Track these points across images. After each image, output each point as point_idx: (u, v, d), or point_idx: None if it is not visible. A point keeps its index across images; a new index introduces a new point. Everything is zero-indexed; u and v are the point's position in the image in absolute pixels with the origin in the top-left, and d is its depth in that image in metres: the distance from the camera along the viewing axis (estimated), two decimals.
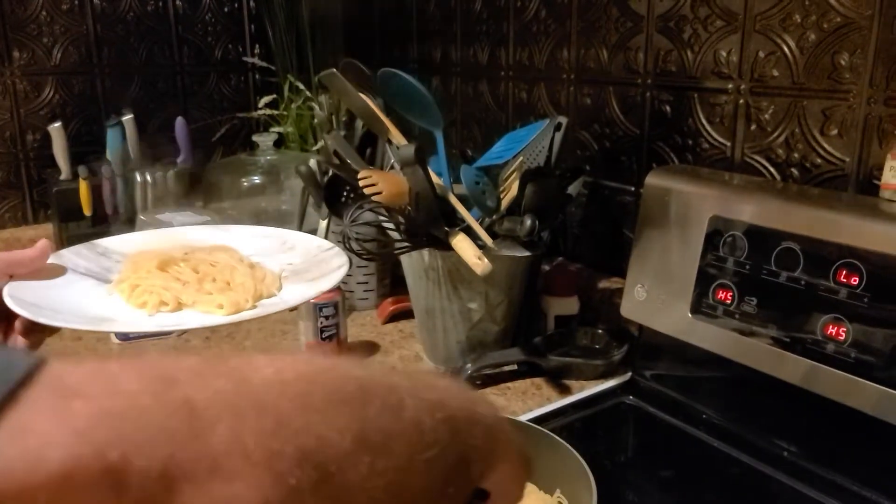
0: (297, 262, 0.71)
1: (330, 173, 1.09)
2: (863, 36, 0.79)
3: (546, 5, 1.16)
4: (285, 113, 1.55)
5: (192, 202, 1.41)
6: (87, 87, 1.52)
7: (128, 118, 1.42)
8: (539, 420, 0.85)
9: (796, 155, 0.88)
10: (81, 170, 1.39)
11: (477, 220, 0.92)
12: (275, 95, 1.56)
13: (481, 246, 0.89)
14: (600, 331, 1.04)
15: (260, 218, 1.41)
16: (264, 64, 1.63)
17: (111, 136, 1.41)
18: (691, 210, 0.87)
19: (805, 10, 0.83)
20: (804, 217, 0.77)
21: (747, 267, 0.81)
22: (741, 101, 0.92)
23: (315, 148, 1.50)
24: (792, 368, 0.77)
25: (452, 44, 1.36)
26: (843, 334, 0.72)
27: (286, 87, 1.54)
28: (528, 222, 0.86)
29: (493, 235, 0.92)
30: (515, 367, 1.00)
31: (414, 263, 1.00)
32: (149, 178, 1.39)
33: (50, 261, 0.64)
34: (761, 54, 0.89)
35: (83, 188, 1.39)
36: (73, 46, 1.49)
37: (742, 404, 0.86)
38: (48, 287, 0.63)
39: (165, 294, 0.63)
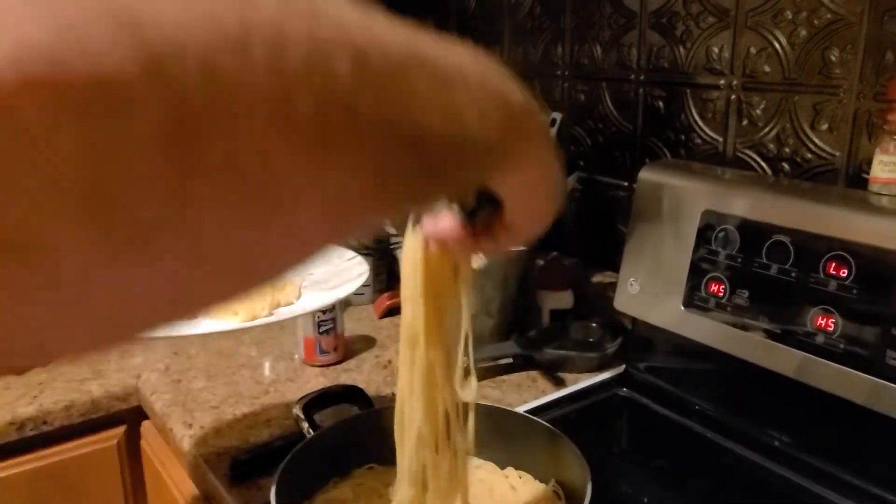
0: (318, 272, 0.73)
1: None
2: (853, 32, 0.80)
3: (540, 2, 1.17)
4: None
5: None
6: None
7: None
8: (534, 412, 0.86)
9: (787, 149, 0.89)
10: None
11: None
12: None
13: None
14: (594, 324, 1.05)
15: None
16: None
17: None
18: (684, 204, 0.88)
19: (796, 7, 0.84)
20: (795, 211, 0.78)
21: (739, 260, 0.82)
22: (733, 96, 0.93)
23: None
24: (783, 360, 0.78)
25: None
26: (833, 326, 0.74)
27: None
28: None
29: None
30: (511, 360, 1.01)
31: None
32: None
33: None
34: (752, 50, 0.90)
35: None
36: None
37: (734, 396, 0.87)
38: None
39: None
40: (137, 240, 0.17)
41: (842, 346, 0.73)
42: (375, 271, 1.26)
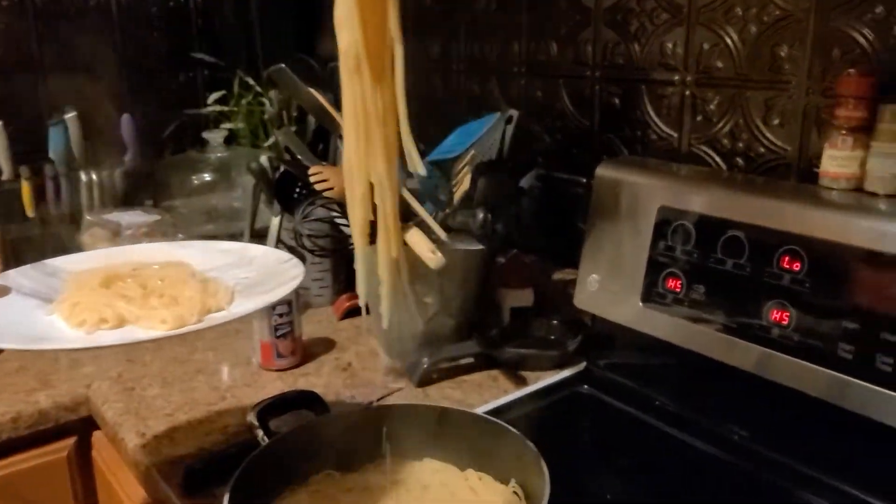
0: (253, 276, 0.72)
1: (281, 169, 1.08)
2: (801, 28, 0.81)
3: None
4: (235, 109, 1.52)
5: (141, 201, 1.39)
6: (28, 85, 1.48)
7: (70, 116, 1.39)
8: (496, 412, 0.85)
9: (741, 145, 0.90)
10: (23, 170, 1.35)
11: (430, 215, 0.92)
12: (224, 91, 1.53)
13: (435, 240, 0.89)
14: (555, 322, 1.05)
15: (211, 216, 1.39)
16: (213, 59, 1.60)
17: (54, 134, 1.38)
18: (640, 201, 0.88)
19: (746, 3, 0.85)
20: (749, 206, 0.79)
21: (695, 255, 0.83)
22: (687, 92, 0.94)
23: (266, 144, 1.48)
24: (740, 354, 0.79)
25: (405, 38, 1.35)
26: (788, 319, 0.75)
27: (236, 83, 1.52)
28: (481, 215, 0.86)
29: (447, 229, 0.92)
30: (472, 359, 1.00)
31: (368, 259, 0.99)
32: (94, 177, 1.36)
33: None
34: (705, 46, 0.90)
35: (25, 189, 1.35)
36: (14, 43, 1.44)
37: (694, 390, 0.87)
38: None
39: (106, 311, 0.63)
40: None
41: (796, 339, 0.74)
42: (334, 273, 1.24)
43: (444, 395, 0.93)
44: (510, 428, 0.68)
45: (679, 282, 0.84)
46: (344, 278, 1.26)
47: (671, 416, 0.87)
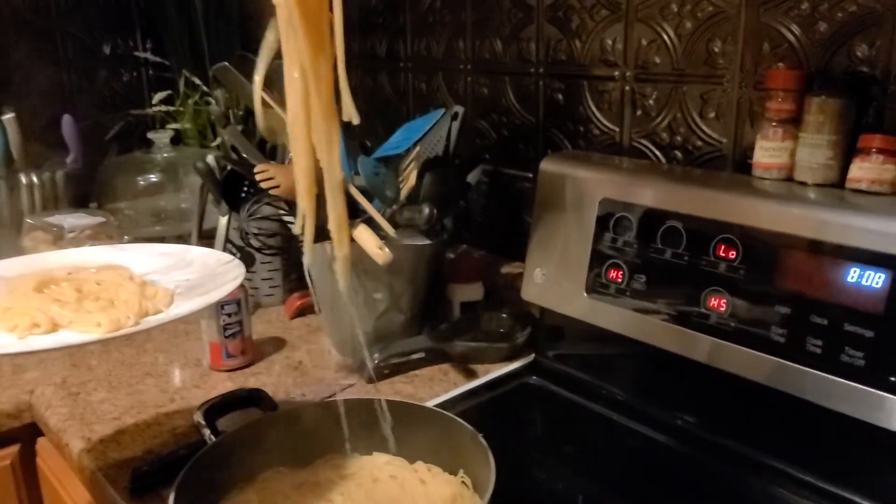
0: (194, 278, 0.71)
1: (228, 169, 1.07)
2: (732, 24, 0.84)
3: None
4: (182, 109, 1.50)
5: (85, 203, 1.36)
6: None
7: (8, 117, 1.35)
8: (446, 405, 0.86)
9: (679, 138, 0.92)
10: None
11: (378, 211, 0.92)
12: (170, 91, 1.51)
13: (383, 237, 0.89)
14: (504, 315, 1.06)
15: (159, 217, 1.37)
16: (157, 59, 1.58)
17: None
18: (583, 194, 0.90)
19: (681, 0, 0.87)
20: (686, 197, 0.81)
21: (636, 246, 0.85)
22: (627, 87, 0.96)
23: (214, 144, 1.46)
24: (682, 341, 0.81)
25: (350, 35, 1.35)
26: (724, 306, 0.77)
27: (181, 83, 1.50)
28: (427, 211, 0.87)
29: (395, 225, 0.93)
30: (423, 354, 1.01)
31: (316, 257, 0.99)
32: (35, 179, 1.32)
33: None
34: (644, 42, 0.93)
35: None
36: None
37: (639, 378, 0.90)
38: None
39: (38, 316, 0.62)
40: None
41: (733, 325, 0.76)
42: (285, 272, 1.24)
43: (396, 389, 0.94)
44: (458, 419, 0.69)
45: (621, 273, 0.86)
46: (295, 277, 1.25)
47: (618, 404, 0.90)
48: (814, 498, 0.72)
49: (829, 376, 0.69)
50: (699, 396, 0.83)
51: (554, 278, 0.94)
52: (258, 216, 0.90)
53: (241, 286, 0.98)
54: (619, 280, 0.86)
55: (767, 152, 0.79)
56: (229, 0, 1.55)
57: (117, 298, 0.65)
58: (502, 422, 0.91)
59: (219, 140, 1.42)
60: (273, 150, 1.16)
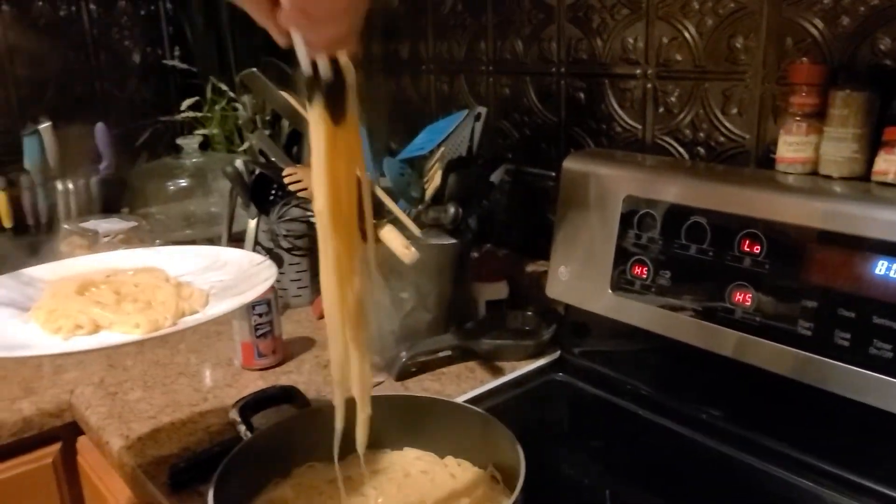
0: (227, 279, 0.73)
1: (257, 172, 1.10)
2: (755, 20, 0.84)
3: (462, 0, 1.19)
4: (209, 115, 1.53)
5: (117, 209, 1.39)
6: (0, 96, 1.47)
7: (45, 126, 1.39)
8: (474, 401, 0.88)
9: (701, 134, 0.93)
10: None
11: (403, 212, 0.94)
12: (198, 97, 1.54)
13: (409, 237, 0.90)
14: (529, 313, 1.07)
15: (189, 221, 1.40)
16: (185, 66, 1.61)
17: (28, 145, 1.38)
18: (607, 191, 0.91)
19: None
20: (710, 192, 0.81)
21: (660, 242, 0.85)
22: (649, 85, 0.97)
23: (241, 148, 1.49)
24: (707, 336, 0.81)
25: (373, 39, 1.37)
26: (749, 300, 0.77)
27: (209, 89, 1.53)
28: (452, 210, 0.88)
29: (420, 225, 0.94)
30: (449, 352, 1.02)
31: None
32: (70, 186, 1.36)
33: None
34: (665, 40, 0.93)
35: (1, 200, 1.35)
36: None
37: (664, 374, 0.90)
38: None
39: (81, 317, 0.64)
40: None
41: (758, 319, 0.77)
42: (313, 273, 1.26)
43: (424, 387, 0.95)
44: (485, 413, 0.70)
45: (646, 269, 0.87)
46: None
47: (644, 399, 0.90)
48: (842, 490, 0.72)
49: (858, 369, 0.69)
50: (725, 391, 0.84)
51: (578, 275, 0.95)
52: (287, 218, 0.92)
53: (271, 287, 1.00)
54: (644, 276, 0.87)
55: (791, 147, 0.80)
56: None
57: (154, 300, 0.67)
58: (529, 418, 0.92)
59: (246, 145, 1.45)
60: (299, 154, 1.18)
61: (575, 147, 1.07)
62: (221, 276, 0.74)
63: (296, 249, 0.98)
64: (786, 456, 0.77)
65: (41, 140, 1.39)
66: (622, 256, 0.89)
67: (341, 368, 0.57)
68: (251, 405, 0.76)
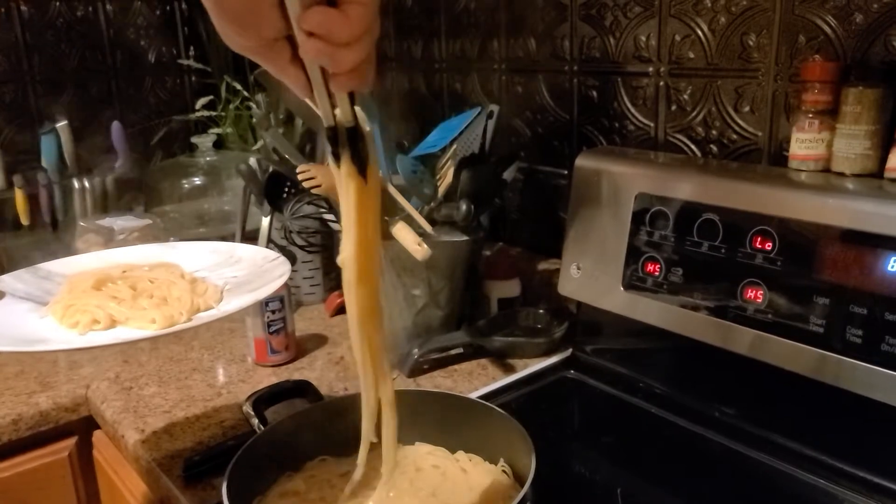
0: (242, 275, 0.74)
1: (270, 170, 1.11)
2: (767, 17, 0.84)
3: None
4: (223, 114, 1.55)
5: (132, 207, 1.41)
6: (18, 95, 1.49)
7: (62, 125, 1.41)
8: (485, 398, 0.87)
9: (714, 132, 0.93)
10: (17, 179, 1.37)
11: (416, 209, 0.94)
12: (212, 97, 1.56)
13: (421, 234, 0.91)
14: (541, 311, 1.07)
15: (203, 219, 1.41)
16: (200, 66, 1.62)
17: (45, 143, 1.40)
18: (619, 189, 0.91)
19: None
20: (722, 189, 0.81)
21: (672, 240, 0.85)
22: (661, 83, 0.97)
23: (255, 147, 1.50)
24: (719, 333, 0.81)
25: (386, 38, 1.38)
26: (762, 297, 0.77)
27: (223, 88, 1.54)
28: (464, 207, 0.89)
29: (432, 222, 0.95)
30: (461, 349, 1.02)
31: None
32: (87, 184, 1.38)
33: None
34: (677, 38, 0.93)
35: (19, 197, 1.37)
36: (3, 55, 1.46)
37: (677, 371, 0.90)
38: None
39: (98, 312, 0.65)
40: None
41: (770, 316, 0.77)
42: (325, 270, 1.27)
43: (435, 384, 0.96)
44: (497, 409, 0.71)
45: (658, 266, 0.87)
46: (334, 276, 1.28)
47: (656, 397, 0.90)
48: (855, 487, 0.72)
49: (870, 366, 0.69)
50: (737, 388, 0.84)
51: (591, 273, 0.95)
52: (300, 214, 0.93)
53: (284, 284, 1.01)
54: (656, 273, 0.87)
55: (804, 144, 0.79)
56: None
57: (170, 296, 0.68)
58: (541, 415, 0.92)
59: (259, 143, 1.46)
60: (313, 152, 1.19)
61: (587, 145, 1.07)
62: (236, 272, 0.75)
63: (309, 246, 0.99)
64: (798, 453, 0.77)
65: (58, 138, 1.40)
66: (634, 254, 0.89)
67: (373, 416, 0.58)
68: (265, 399, 0.76)
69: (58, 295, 0.69)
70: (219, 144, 1.53)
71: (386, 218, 0.90)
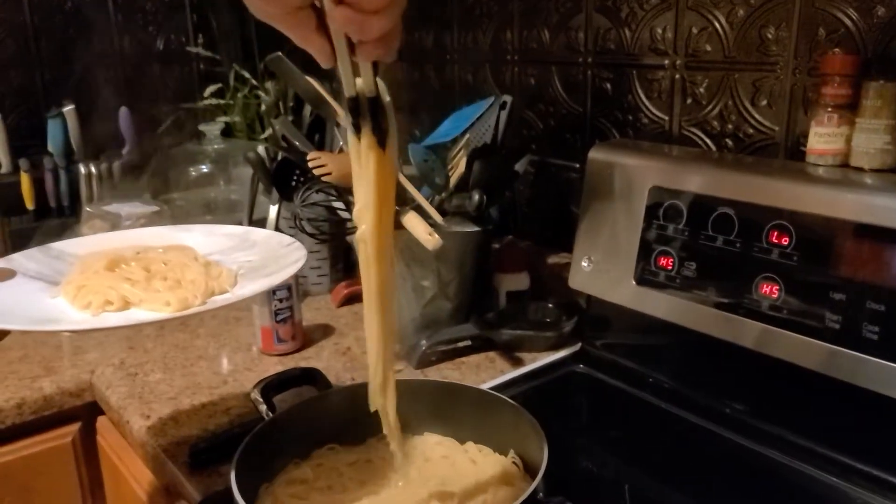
0: (256, 259, 0.73)
1: (279, 158, 1.10)
2: (787, 10, 0.83)
3: None
4: (231, 102, 1.54)
5: (139, 194, 1.40)
6: (25, 78, 1.49)
7: (69, 109, 1.40)
8: (493, 391, 0.87)
9: (730, 126, 0.92)
10: (23, 163, 1.36)
11: (427, 199, 0.94)
12: (220, 85, 1.55)
13: (432, 224, 0.90)
14: (550, 304, 1.07)
15: (209, 207, 1.40)
16: (209, 53, 1.61)
17: (52, 127, 1.39)
18: (632, 182, 0.90)
19: None
20: (738, 183, 0.81)
21: (686, 234, 0.84)
22: (677, 76, 0.96)
23: (263, 136, 1.49)
24: (733, 328, 0.80)
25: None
26: (777, 292, 0.76)
27: (231, 77, 1.53)
28: (476, 197, 0.88)
29: (443, 213, 0.94)
30: (469, 342, 1.02)
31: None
32: (93, 169, 1.37)
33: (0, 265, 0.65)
34: (694, 30, 0.92)
35: (25, 181, 1.36)
36: (11, 38, 1.46)
37: (687, 366, 0.89)
38: None
39: (111, 293, 0.64)
40: None
41: (786, 311, 0.76)
42: (332, 261, 1.26)
43: (443, 376, 0.95)
44: (509, 400, 0.70)
45: (671, 260, 0.86)
46: (342, 267, 1.27)
47: (666, 392, 0.89)
48: (869, 486, 0.71)
49: (887, 363, 0.68)
50: (749, 384, 0.83)
51: (602, 266, 0.94)
52: (309, 202, 0.92)
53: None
54: (669, 268, 0.86)
55: (822, 138, 0.78)
56: None
57: (184, 278, 0.67)
58: (549, 408, 0.91)
59: (267, 132, 1.45)
60: (321, 141, 1.18)
61: (600, 138, 1.06)
62: (250, 256, 0.73)
63: (320, 234, 0.98)
64: (811, 451, 0.76)
65: (65, 122, 1.40)
66: (647, 248, 0.88)
67: (382, 390, 0.58)
68: (274, 385, 0.76)
69: (70, 275, 0.68)
70: (226, 133, 1.52)
71: (396, 207, 0.89)
